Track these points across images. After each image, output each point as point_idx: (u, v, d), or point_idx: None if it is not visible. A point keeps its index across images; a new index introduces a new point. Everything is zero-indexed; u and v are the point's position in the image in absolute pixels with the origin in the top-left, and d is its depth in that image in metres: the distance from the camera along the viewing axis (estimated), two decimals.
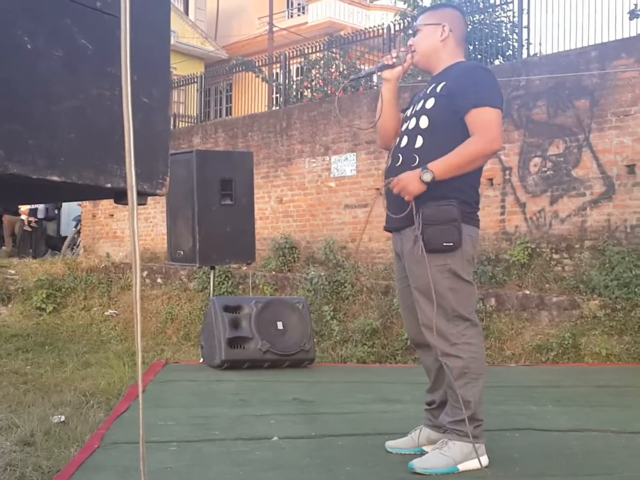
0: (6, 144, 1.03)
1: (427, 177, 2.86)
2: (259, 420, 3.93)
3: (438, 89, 3.04)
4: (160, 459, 3.10)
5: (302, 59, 12.61)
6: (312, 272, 9.33)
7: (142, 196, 1.23)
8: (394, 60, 3.16)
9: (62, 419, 4.88)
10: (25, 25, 1.04)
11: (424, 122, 3.03)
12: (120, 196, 1.23)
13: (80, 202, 14.52)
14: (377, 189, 9.64)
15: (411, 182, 2.89)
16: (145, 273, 11.37)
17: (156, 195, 1.28)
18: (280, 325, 5.87)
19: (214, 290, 6.97)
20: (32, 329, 10.01)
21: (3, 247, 15.34)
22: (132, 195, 1.06)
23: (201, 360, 6.08)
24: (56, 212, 15.83)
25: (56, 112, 1.10)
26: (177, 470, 2.99)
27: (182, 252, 6.50)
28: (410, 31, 10.11)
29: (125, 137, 1.05)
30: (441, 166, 2.87)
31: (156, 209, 12.45)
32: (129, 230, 11.66)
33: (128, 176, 1.06)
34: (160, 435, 3.49)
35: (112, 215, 13.81)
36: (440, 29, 3.11)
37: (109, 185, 1.19)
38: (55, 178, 1.09)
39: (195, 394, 4.81)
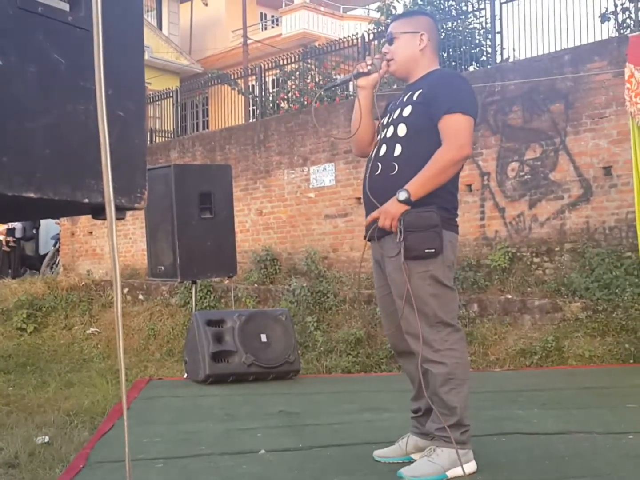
0: None
1: (402, 195, 2.86)
2: (245, 434, 3.91)
3: (415, 97, 3.04)
4: (147, 477, 3.07)
5: (278, 71, 12.62)
6: (294, 284, 9.31)
7: (121, 211, 1.21)
8: (369, 67, 3.16)
9: (46, 440, 4.82)
10: None
11: (401, 130, 3.03)
12: (98, 211, 1.21)
13: (58, 221, 14.42)
14: (357, 198, 9.65)
15: (391, 207, 2.89)
16: (126, 290, 11.29)
17: (134, 209, 1.27)
18: (264, 337, 5.85)
19: (196, 304, 6.93)
20: (13, 350, 9.90)
21: None
22: (111, 210, 1.05)
23: (185, 375, 6.04)
24: (34, 231, 15.70)
25: (30, 128, 1.08)
26: None
27: (162, 268, 6.47)
28: (384, 39, 10.15)
29: (102, 151, 1.04)
30: (415, 184, 2.88)
31: (135, 225, 12.38)
32: (108, 247, 11.56)
33: (106, 191, 1.04)
34: (146, 453, 3.46)
35: (91, 232, 13.71)
36: (418, 38, 3.12)
37: (86, 200, 1.18)
38: (32, 195, 1.07)
39: (180, 409, 4.78)
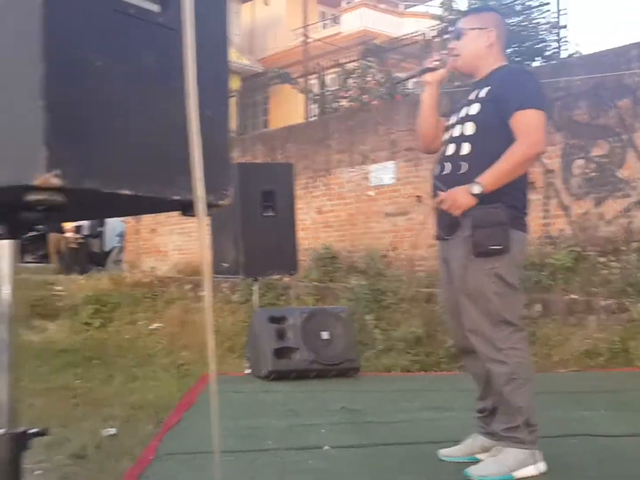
0: (79, 160, 1.06)
1: (477, 189, 2.85)
2: (309, 429, 3.94)
3: (483, 94, 3.02)
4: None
5: (338, 69, 12.65)
6: (354, 282, 9.31)
7: (208, 207, 1.25)
8: (436, 63, 3.15)
9: (112, 432, 4.92)
10: (93, 42, 1.07)
11: (470, 128, 3.02)
12: (186, 208, 1.26)
13: (123, 219, 14.68)
14: (417, 196, 9.61)
15: (461, 196, 2.88)
16: (189, 286, 11.45)
17: (219, 206, 1.31)
18: (325, 335, 5.87)
19: (258, 301, 6.99)
20: (80, 344, 10.12)
21: (50, 265, 15.55)
22: (201, 206, 1.08)
23: (247, 371, 6.10)
24: (100, 229, 16.03)
25: (125, 127, 1.12)
26: None
27: (226, 265, 6.54)
28: (448, 35, 10.08)
29: (194, 150, 1.07)
30: (489, 177, 2.86)
31: (196, 223, 12.53)
32: (172, 244, 11.72)
33: (197, 188, 1.08)
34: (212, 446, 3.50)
35: (155, 230, 13.95)
36: (486, 34, 3.10)
37: (177, 197, 1.22)
38: (127, 192, 1.12)
39: (243, 405, 4.83)
